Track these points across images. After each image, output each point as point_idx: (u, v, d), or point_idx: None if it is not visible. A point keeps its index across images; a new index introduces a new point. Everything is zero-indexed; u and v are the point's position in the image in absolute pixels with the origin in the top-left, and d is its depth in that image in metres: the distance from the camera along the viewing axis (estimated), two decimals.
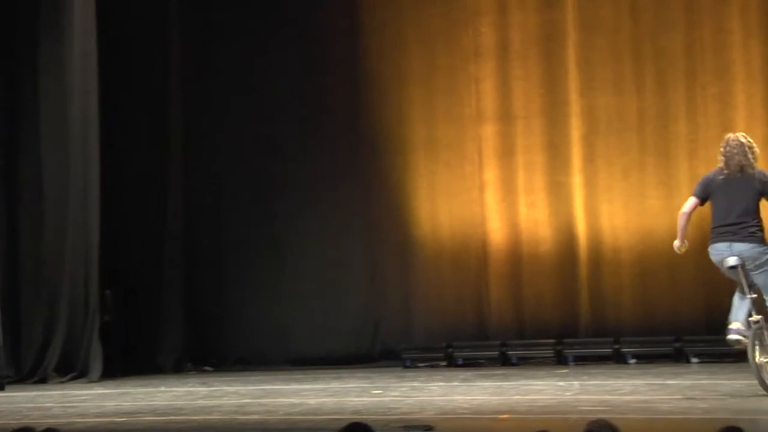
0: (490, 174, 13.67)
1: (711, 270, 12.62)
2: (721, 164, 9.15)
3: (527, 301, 13.47)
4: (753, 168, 9.10)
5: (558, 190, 13.41)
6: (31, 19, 13.79)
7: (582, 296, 13.21)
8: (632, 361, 12.60)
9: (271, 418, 9.02)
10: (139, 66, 14.56)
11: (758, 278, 9.02)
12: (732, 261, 9.01)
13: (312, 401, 10.15)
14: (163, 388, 11.99)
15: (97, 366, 13.22)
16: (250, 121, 14.51)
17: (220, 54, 14.69)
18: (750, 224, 9.05)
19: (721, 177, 9.08)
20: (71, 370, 13.28)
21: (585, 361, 12.75)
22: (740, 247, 9.01)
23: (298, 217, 14.24)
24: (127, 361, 14.00)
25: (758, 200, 9.09)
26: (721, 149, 9.19)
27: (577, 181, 13.32)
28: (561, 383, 10.75)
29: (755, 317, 8.94)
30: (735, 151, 9.09)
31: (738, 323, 8.98)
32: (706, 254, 12.57)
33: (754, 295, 9.01)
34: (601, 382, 10.80)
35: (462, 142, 13.77)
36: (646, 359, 12.52)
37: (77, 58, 13.38)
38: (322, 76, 14.28)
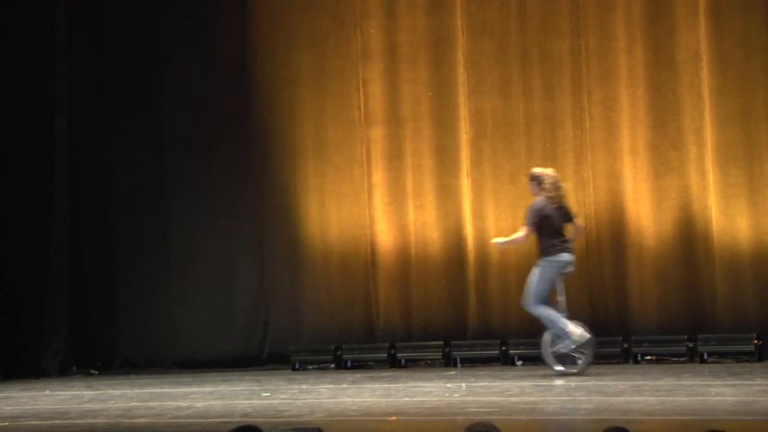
0: (379, 176, 13.69)
1: (595, 273, 12.90)
2: (549, 194, 10.93)
3: (416, 303, 13.51)
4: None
5: (446, 193, 13.47)
6: None
7: (470, 298, 13.29)
8: (519, 362, 12.71)
9: (158, 422, 8.94)
10: (24, 63, 14.34)
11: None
12: (571, 267, 11.00)
13: (200, 404, 10.07)
14: (47, 392, 11.81)
15: None
16: (140, 121, 14.36)
17: (108, 51, 14.52)
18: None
19: (553, 205, 10.91)
20: None
21: (473, 362, 12.85)
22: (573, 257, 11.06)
23: (188, 218, 14.13)
24: (10, 364, 13.77)
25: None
26: (547, 183, 10.98)
27: (465, 184, 13.40)
28: (449, 385, 10.80)
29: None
30: (559, 184, 11.04)
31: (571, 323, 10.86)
32: (592, 257, 12.84)
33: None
34: (488, 383, 10.88)
35: (351, 145, 13.77)
36: (533, 361, 12.61)
37: None
38: (212, 76, 14.19)
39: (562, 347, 10.92)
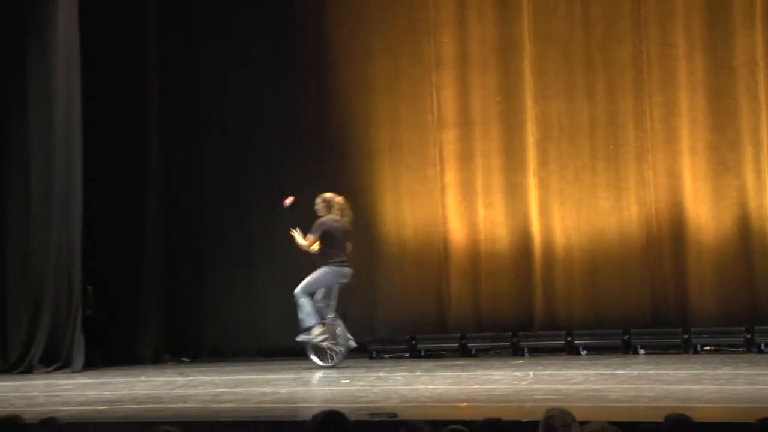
0: (451, 176, 13.68)
1: (656, 268, 12.80)
2: (334, 218, 11.70)
3: (485, 296, 13.48)
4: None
5: (514, 191, 13.43)
6: (19, 32, 13.72)
7: (536, 292, 13.24)
8: (583, 352, 12.64)
9: (245, 407, 8.99)
10: (119, 74, 14.49)
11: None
12: (348, 278, 11.80)
13: (284, 390, 10.12)
14: (142, 378, 11.93)
15: (79, 357, 13.15)
16: (227, 126, 14.51)
17: (197, 63, 14.67)
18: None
19: (337, 224, 11.70)
20: (55, 361, 13.20)
21: (539, 352, 12.78)
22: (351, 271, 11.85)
23: (270, 216, 14.18)
24: (108, 352, 13.94)
25: None
26: (335, 208, 11.74)
27: (531, 183, 13.35)
28: (517, 373, 10.76)
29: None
30: (346, 210, 11.79)
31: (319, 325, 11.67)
32: (653, 252, 12.75)
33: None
34: (554, 372, 10.82)
35: (424, 147, 13.78)
36: (597, 351, 12.56)
37: (62, 68, 13.33)
38: (293, 84, 14.27)
39: (324, 346, 11.76)
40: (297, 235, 11.79)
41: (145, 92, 14.52)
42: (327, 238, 11.73)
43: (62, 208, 13.30)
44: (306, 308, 11.76)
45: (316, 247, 11.72)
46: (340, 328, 11.85)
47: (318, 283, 11.79)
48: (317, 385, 10.77)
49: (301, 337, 11.85)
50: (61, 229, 13.28)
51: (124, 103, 14.51)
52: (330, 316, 11.81)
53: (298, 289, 11.79)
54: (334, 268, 11.73)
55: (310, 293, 11.80)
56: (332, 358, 11.84)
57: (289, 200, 11.87)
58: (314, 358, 11.87)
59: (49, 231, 13.39)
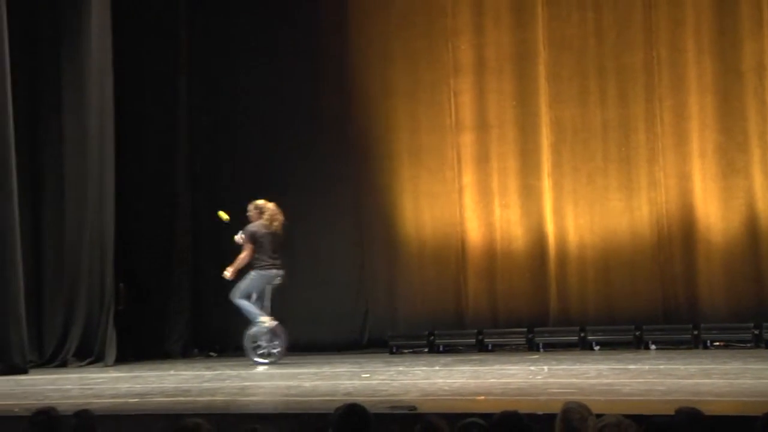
0: (468, 178, 13.67)
1: (667, 266, 12.75)
2: (265, 223, 11.99)
3: (501, 294, 13.46)
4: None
5: (529, 192, 13.41)
6: (53, 40, 13.80)
7: (551, 289, 13.21)
8: (596, 347, 12.59)
9: (269, 399, 9.00)
10: (149, 79, 14.55)
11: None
12: (279, 280, 12.06)
13: (307, 384, 10.12)
14: (171, 372, 11.96)
15: (111, 352, 13.21)
16: (252, 128, 14.54)
17: (225, 67, 14.70)
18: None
19: (266, 230, 11.99)
20: (88, 355, 13.26)
21: (554, 347, 12.75)
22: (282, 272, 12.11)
23: (294, 216, 14.15)
24: (139, 347, 13.98)
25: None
26: (267, 214, 12.04)
27: (546, 184, 13.32)
28: (532, 368, 10.74)
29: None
30: (276, 216, 12.06)
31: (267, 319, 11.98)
32: (664, 251, 12.71)
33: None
34: (568, 366, 10.79)
35: (442, 149, 13.77)
36: (609, 346, 12.51)
37: (95, 73, 13.40)
38: (317, 88, 14.30)
39: (263, 345, 12.10)
40: (231, 268, 12.01)
41: (175, 95, 14.57)
42: (256, 243, 12.02)
43: (96, 209, 13.35)
44: (247, 306, 12.04)
45: (237, 238, 12.03)
46: (278, 327, 12.09)
47: (249, 288, 12.03)
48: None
49: (252, 330, 12.06)
50: (95, 230, 13.33)
51: (154, 107, 14.57)
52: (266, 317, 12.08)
53: (234, 295, 12.08)
54: (262, 272, 12.01)
55: (245, 297, 12.06)
56: (271, 356, 12.08)
57: (223, 216, 12.24)
58: (254, 357, 12.10)
59: (83, 232, 13.45)
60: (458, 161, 13.70)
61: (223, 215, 12.29)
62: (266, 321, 11.98)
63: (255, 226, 12.07)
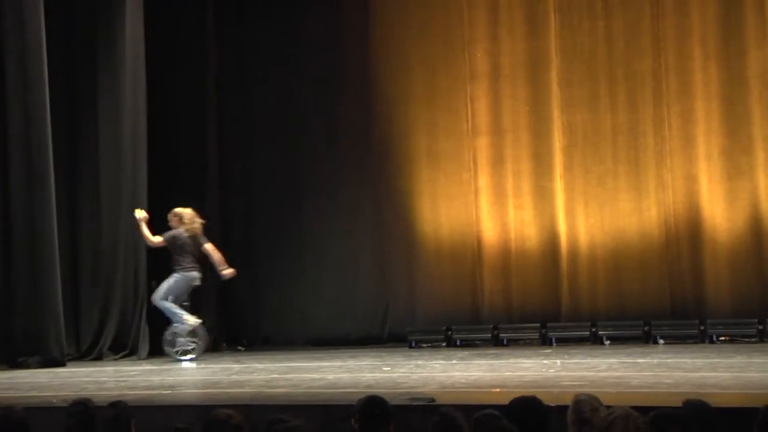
0: (484, 180, 13.65)
1: (674, 264, 12.71)
2: (186, 227, 12.31)
3: (515, 290, 13.45)
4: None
5: (542, 194, 13.38)
6: (89, 47, 13.86)
7: (563, 286, 13.19)
8: (607, 342, 12.57)
9: (295, 391, 9.01)
10: (179, 85, 14.58)
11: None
12: (198, 281, 12.43)
13: (330, 376, 10.13)
14: (201, 365, 11.98)
15: (145, 346, 13.23)
16: (279, 132, 14.57)
17: (252, 75, 14.73)
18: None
19: (186, 234, 12.30)
20: (123, 349, 13.29)
21: (566, 342, 12.73)
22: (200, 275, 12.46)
23: (319, 216, 14.25)
24: None
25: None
26: (186, 219, 12.33)
27: (558, 186, 13.30)
28: (545, 361, 10.72)
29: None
30: (195, 220, 12.38)
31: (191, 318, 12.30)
32: (672, 250, 12.67)
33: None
34: (579, 360, 10.77)
35: (459, 153, 13.76)
36: (619, 341, 12.48)
37: (129, 81, 13.44)
38: (340, 94, 14.32)
39: (181, 342, 12.32)
40: (145, 228, 12.34)
41: (204, 103, 14.61)
42: (176, 248, 12.31)
43: (129, 209, 13.38)
44: (170, 307, 12.31)
45: (157, 240, 12.30)
46: (200, 327, 12.40)
47: (171, 289, 12.30)
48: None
49: (177, 327, 12.33)
50: (128, 230, 13.37)
51: (184, 113, 14.60)
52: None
53: (155, 298, 12.40)
54: (184, 274, 12.31)
55: (166, 298, 12.34)
56: (193, 353, 12.31)
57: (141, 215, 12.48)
58: (175, 355, 12.29)
59: (117, 231, 13.50)
60: (474, 164, 13.68)
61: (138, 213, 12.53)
62: (191, 320, 12.28)
63: (176, 231, 12.35)
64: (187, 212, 12.42)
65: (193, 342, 12.37)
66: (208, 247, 12.43)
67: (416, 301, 13.87)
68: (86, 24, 13.88)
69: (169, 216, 12.46)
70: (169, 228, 12.41)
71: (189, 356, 12.26)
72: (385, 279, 14.05)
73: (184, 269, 12.31)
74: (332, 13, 14.49)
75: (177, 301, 12.34)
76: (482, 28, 13.73)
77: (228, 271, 12.48)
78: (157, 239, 12.32)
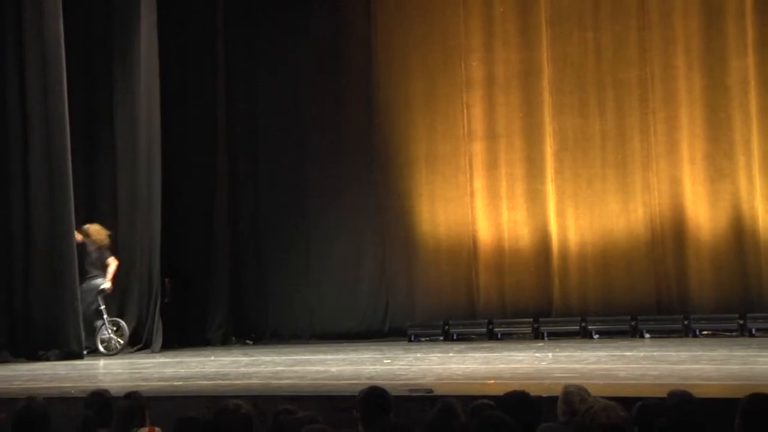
0: (479, 183, 13.65)
1: (660, 262, 12.71)
2: (94, 239, 12.91)
3: (509, 287, 13.45)
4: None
5: (534, 196, 13.39)
6: (106, 58, 13.88)
7: (554, 283, 13.19)
8: (596, 336, 12.57)
9: (301, 383, 9.01)
10: (191, 93, 14.60)
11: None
12: (107, 286, 12.91)
13: (334, 369, 10.13)
14: (212, 358, 11.99)
15: (158, 340, 13.25)
16: (285, 136, 14.57)
17: (260, 82, 14.74)
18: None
19: (92, 246, 12.99)
20: (137, 342, 13.32)
21: (557, 336, 12.73)
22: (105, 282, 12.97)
23: (322, 216, 14.25)
24: (183, 336, 14.02)
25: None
26: (92, 233, 12.93)
27: (550, 188, 13.30)
28: (537, 354, 10.72)
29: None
30: (102, 232, 12.99)
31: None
32: (657, 249, 12.66)
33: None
34: (570, 353, 10.77)
35: (456, 157, 13.76)
36: (607, 335, 12.48)
37: (144, 94, 13.49)
38: (343, 100, 14.32)
39: (104, 335, 12.88)
40: (109, 282, 12.98)
41: (214, 109, 14.61)
42: (84, 259, 12.89)
43: (144, 212, 13.41)
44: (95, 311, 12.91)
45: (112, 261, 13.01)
46: (121, 326, 12.94)
47: (84, 295, 12.72)
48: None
49: (99, 323, 12.80)
50: (144, 230, 13.39)
51: (195, 119, 14.62)
52: (105, 316, 12.89)
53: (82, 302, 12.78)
54: (89, 282, 12.89)
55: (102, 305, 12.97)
56: (116, 349, 12.78)
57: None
58: (102, 350, 12.78)
59: (133, 232, 13.51)
60: (470, 167, 13.69)
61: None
62: (107, 319, 12.89)
63: (85, 243, 12.94)
64: (93, 227, 13.03)
65: (119, 341, 12.89)
66: (113, 262, 13.02)
67: (415, 297, 13.87)
68: (104, 40, 13.90)
69: (75, 233, 12.76)
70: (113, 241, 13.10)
71: (112, 352, 12.77)
72: (385, 276, 14.05)
73: (87, 278, 12.88)
74: (336, 23, 14.49)
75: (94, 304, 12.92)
76: (478, 39, 13.74)
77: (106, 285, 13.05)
78: (112, 260, 13.02)
